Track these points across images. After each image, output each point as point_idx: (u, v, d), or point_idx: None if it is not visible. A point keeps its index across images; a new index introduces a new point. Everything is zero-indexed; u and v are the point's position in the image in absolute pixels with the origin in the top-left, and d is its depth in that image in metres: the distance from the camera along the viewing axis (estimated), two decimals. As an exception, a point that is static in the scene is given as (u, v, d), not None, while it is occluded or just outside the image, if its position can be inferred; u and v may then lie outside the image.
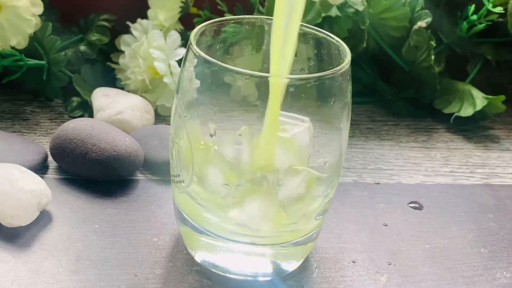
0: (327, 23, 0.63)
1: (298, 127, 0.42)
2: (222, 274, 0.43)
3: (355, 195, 0.53)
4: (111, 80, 0.65)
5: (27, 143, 0.54)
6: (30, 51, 0.60)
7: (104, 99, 0.59)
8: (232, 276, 0.43)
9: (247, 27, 0.44)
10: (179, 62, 0.59)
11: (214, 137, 0.41)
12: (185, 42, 0.55)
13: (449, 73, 0.69)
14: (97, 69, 0.65)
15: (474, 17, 0.64)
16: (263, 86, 0.40)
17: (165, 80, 0.59)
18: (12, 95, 0.64)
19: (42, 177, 0.49)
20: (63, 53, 0.62)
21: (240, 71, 0.38)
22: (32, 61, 0.60)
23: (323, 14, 0.62)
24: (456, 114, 0.65)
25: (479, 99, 0.64)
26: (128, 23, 0.63)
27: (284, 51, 0.40)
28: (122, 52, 0.63)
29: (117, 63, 0.64)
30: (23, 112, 0.61)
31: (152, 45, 0.59)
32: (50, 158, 0.53)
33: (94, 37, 0.64)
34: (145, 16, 0.64)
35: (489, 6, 0.63)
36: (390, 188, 0.55)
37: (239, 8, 0.68)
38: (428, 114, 0.67)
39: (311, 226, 0.43)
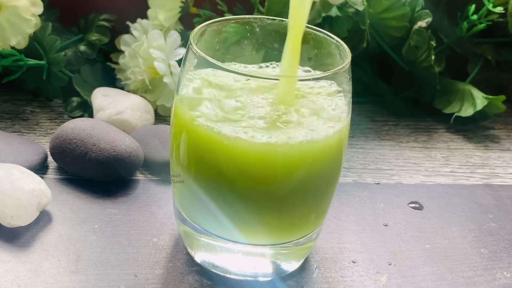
0: (327, 23, 0.63)
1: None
2: (222, 274, 0.43)
3: (355, 195, 0.53)
4: (111, 80, 0.65)
5: (27, 143, 0.54)
6: (30, 51, 0.60)
7: (104, 99, 0.59)
8: (232, 276, 0.43)
9: (247, 27, 0.44)
10: (179, 62, 0.59)
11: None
12: (185, 42, 0.55)
13: (449, 73, 0.69)
14: (97, 69, 0.65)
15: (474, 17, 0.64)
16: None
17: (165, 80, 0.59)
18: (12, 95, 0.64)
19: (42, 177, 0.49)
20: (63, 53, 0.62)
21: (240, 71, 0.38)
22: (32, 61, 0.60)
23: (323, 14, 0.62)
24: (456, 114, 0.65)
25: (479, 99, 0.64)
26: (128, 23, 0.63)
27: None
28: (122, 52, 0.63)
29: (117, 63, 0.64)
30: (23, 112, 0.61)
31: (152, 45, 0.59)
32: (50, 158, 0.53)
33: (94, 37, 0.64)
34: (145, 16, 0.64)
35: (489, 6, 0.63)
36: (390, 188, 0.55)
37: (239, 8, 0.68)
38: (428, 114, 0.67)
39: (310, 226, 0.43)
